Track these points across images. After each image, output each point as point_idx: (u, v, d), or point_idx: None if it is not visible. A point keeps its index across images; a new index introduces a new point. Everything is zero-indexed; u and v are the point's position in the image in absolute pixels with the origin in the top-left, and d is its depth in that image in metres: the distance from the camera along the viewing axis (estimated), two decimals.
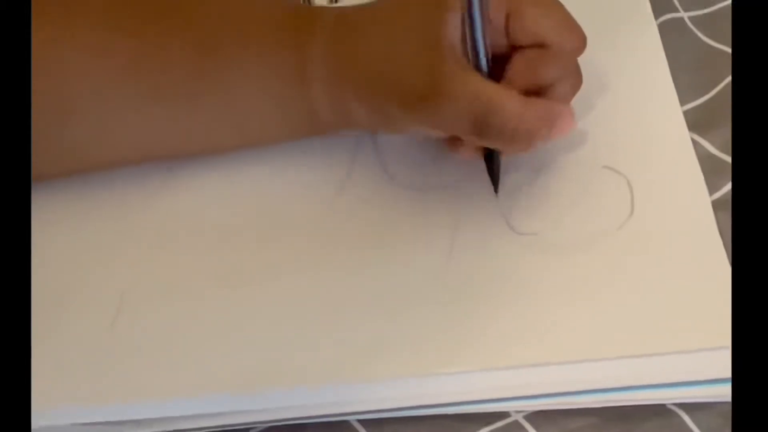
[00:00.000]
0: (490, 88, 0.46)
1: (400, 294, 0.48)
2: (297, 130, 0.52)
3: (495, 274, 0.49)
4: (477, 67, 0.47)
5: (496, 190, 0.51)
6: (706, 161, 0.53)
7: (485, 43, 0.47)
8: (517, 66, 0.48)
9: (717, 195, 0.51)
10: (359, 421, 0.47)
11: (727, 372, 0.45)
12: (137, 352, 0.47)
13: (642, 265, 0.48)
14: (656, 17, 0.59)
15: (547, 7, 0.49)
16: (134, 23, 0.49)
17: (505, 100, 0.46)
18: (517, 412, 0.47)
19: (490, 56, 0.47)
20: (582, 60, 0.50)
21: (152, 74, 0.49)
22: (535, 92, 0.48)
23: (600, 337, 0.46)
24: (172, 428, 0.47)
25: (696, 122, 0.54)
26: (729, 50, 0.57)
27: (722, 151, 0.53)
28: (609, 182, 0.51)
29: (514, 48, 0.49)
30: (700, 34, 0.58)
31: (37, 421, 0.44)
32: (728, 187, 0.52)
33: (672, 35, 0.58)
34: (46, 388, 0.44)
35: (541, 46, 0.48)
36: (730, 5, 0.59)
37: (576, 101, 0.50)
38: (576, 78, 0.50)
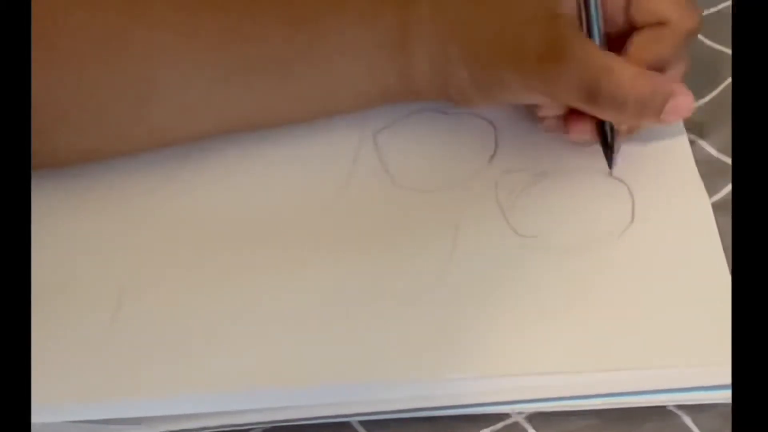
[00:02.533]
0: (606, 55, 0.47)
1: (400, 295, 0.48)
2: (390, 96, 0.51)
3: (496, 275, 0.49)
4: (591, 36, 0.48)
5: (610, 166, 0.51)
6: (706, 163, 0.53)
7: (600, 18, 0.48)
8: (636, 44, 0.49)
9: (717, 197, 0.51)
10: (360, 422, 0.47)
11: (727, 380, 0.45)
12: (136, 349, 0.47)
13: (642, 274, 0.48)
14: None
15: None
16: None
17: (619, 66, 0.47)
18: (518, 413, 0.47)
19: (604, 31, 0.48)
20: None
21: (242, 48, 0.49)
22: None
23: (599, 347, 0.46)
24: (170, 428, 0.47)
25: (696, 124, 0.54)
26: (729, 52, 0.57)
27: (722, 152, 0.53)
28: (610, 189, 0.51)
29: (632, 28, 0.49)
30: (700, 36, 0.58)
31: (34, 418, 0.44)
32: (728, 188, 0.52)
33: None
34: (44, 384, 0.44)
35: (660, 24, 0.49)
36: (730, 6, 0.59)
37: None
38: (687, 59, 0.50)
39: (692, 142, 0.54)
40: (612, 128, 0.50)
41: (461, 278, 0.49)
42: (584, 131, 0.51)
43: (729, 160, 0.53)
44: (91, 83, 0.45)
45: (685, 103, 0.48)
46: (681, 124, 0.54)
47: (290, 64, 0.49)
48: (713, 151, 0.53)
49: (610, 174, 0.51)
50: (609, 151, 0.51)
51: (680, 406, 0.46)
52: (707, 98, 0.56)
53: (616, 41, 0.50)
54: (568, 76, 0.47)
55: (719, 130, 0.54)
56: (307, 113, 0.52)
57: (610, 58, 0.47)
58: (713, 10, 0.60)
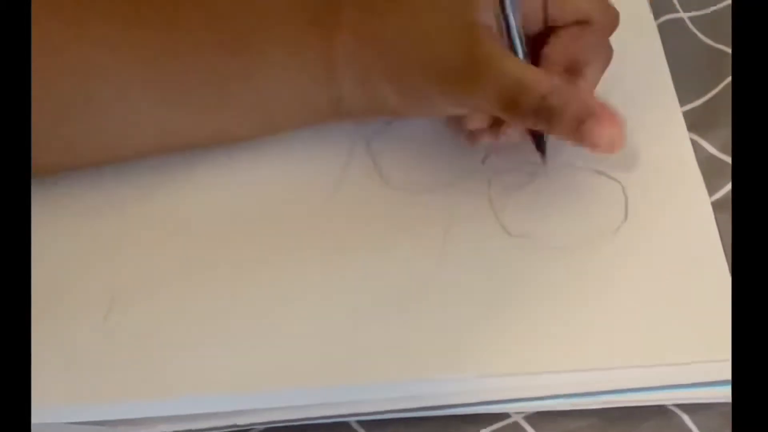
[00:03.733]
0: (522, 67, 0.47)
1: (392, 296, 0.48)
2: (322, 118, 0.52)
3: (488, 275, 0.49)
4: (511, 47, 0.48)
5: (544, 161, 0.51)
6: (706, 162, 0.53)
7: (518, 25, 0.48)
8: (556, 43, 0.49)
9: (717, 196, 0.51)
10: (359, 422, 0.47)
11: (726, 375, 0.45)
12: (129, 350, 0.47)
13: (637, 271, 0.48)
14: (656, 18, 0.59)
15: None
16: (156, 19, 0.49)
17: (535, 77, 0.47)
18: (517, 413, 0.47)
19: (523, 37, 0.48)
20: None
21: (177, 69, 0.49)
22: (572, 70, 0.49)
23: (595, 345, 0.46)
24: (168, 429, 0.47)
25: (696, 123, 0.54)
26: (729, 50, 0.57)
27: (722, 151, 0.53)
28: (603, 188, 0.51)
29: (551, 28, 0.49)
30: (700, 35, 0.58)
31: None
32: (728, 187, 0.52)
33: (672, 36, 0.58)
34: (38, 385, 0.44)
35: (580, 22, 0.49)
36: (730, 5, 0.59)
37: None
38: (608, 54, 0.50)
39: (693, 141, 0.53)
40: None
41: (454, 278, 0.48)
42: (513, 135, 0.51)
43: (729, 159, 0.53)
44: (36, 100, 0.45)
45: (605, 131, 0.46)
46: (681, 119, 0.54)
47: (224, 86, 0.50)
48: (713, 150, 0.53)
49: (544, 163, 0.51)
50: (540, 142, 0.51)
51: (680, 406, 0.46)
52: (707, 97, 0.56)
53: (534, 41, 0.50)
54: (485, 91, 0.47)
55: (719, 130, 0.54)
56: (246, 133, 0.52)
57: (527, 71, 0.47)
58: (713, 9, 0.60)
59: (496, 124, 0.51)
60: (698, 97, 0.56)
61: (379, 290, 0.48)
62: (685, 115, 0.55)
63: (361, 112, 0.51)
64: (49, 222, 0.51)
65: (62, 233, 0.51)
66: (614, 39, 0.51)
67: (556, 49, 0.49)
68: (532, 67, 0.48)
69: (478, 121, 0.51)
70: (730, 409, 0.44)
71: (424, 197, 0.51)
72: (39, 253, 0.47)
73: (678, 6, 0.60)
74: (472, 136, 0.52)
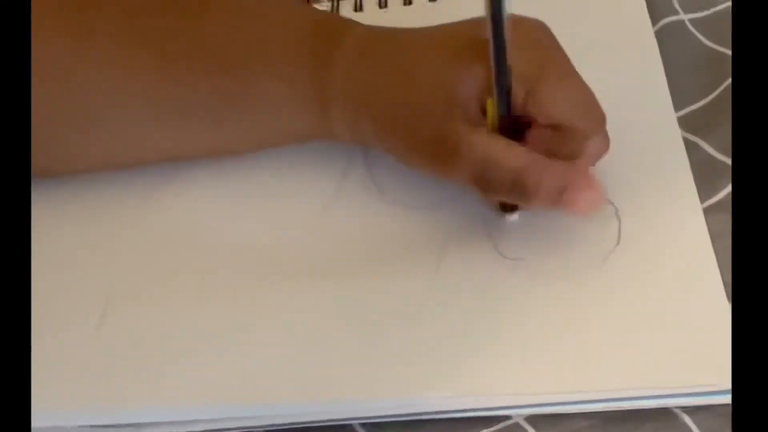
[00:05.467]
0: (493, 143, 0.47)
1: (384, 313, 0.48)
2: (314, 138, 0.52)
3: (481, 296, 0.49)
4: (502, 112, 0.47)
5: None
6: (705, 163, 0.53)
7: (504, 92, 0.47)
8: (532, 141, 0.48)
9: (717, 197, 0.51)
10: (361, 424, 0.47)
11: (726, 387, 0.45)
12: (123, 356, 0.47)
13: (630, 294, 0.48)
14: (656, 20, 0.59)
15: (566, 88, 0.48)
16: (157, 39, 0.50)
17: (506, 157, 0.46)
18: (518, 414, 0.47)
19: (508, 104, 0.47)
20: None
21: (174, 92, 0.50)
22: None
23: (589, 367, 0.46)
24: None
25: (696, 124, 0.54)
26: (729, 52, 0.57)
27: (722, 153, 0.53)
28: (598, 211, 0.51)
29: (533, 121, 0.48)
30: (700, 37, 0.58)
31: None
32: (728, 189, 0.52)
33: (672, 38, 0.58)
34: (35, 389, 0.44)
35: (556, 126, 0.47)
36: (730, 7, 0.59)
37: None
38: (600, 147, 0.49)
39: (692, 143, 0.54)
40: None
41: (447, 298, 0.48)
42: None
43: (729, 161, 0.53)
44: (36, 112, 0.46)
45: (586, 197, 0.47)
46: (680, 140, 0.53)
47: (218, 111, 0.50)
48: (713, 152, 0.53)
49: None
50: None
51: (680, 406, 0.46)
52: (707, 99, 0.56)
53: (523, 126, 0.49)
54: (456, 169, 0.47)
55: (719, 131, 0.54)
56: (240, 150, 0.53)
57: (499, 147, 0.47)
58: (713, 10, 0.60)
59: None
60: (698, 98, 0.56)
61: (371, 307, 0.48)
62: (686, 116, 0.55)
63: (354, 144, 0.52)
64: (44, 228, 0.51)
65: (57, 239, 0.51)
66: (610, 46, 0.50)
67: (532, 144, 0.48)
68: (505, 142, 0.47)
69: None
70: (730, 409, 0.44)
71: (420, 214, 0.51)
72: (34, 258, 0.47)
73: (678, 8, 0.60)
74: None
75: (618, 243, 0.50)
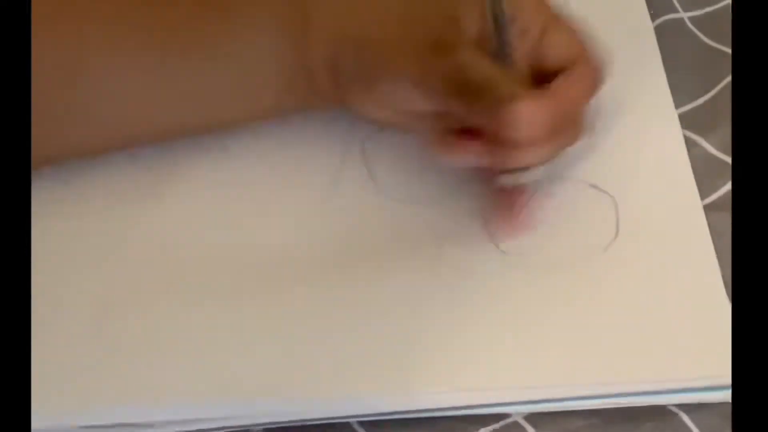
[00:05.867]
0: (480, 58, 0.47)
1: (382, 308, 0.48)
2: (296, 98, 0.51)
3: (479, 291, 0.49)
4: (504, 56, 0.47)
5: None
6: (705, 161, 0.53)
7: (508, 39, 0.47)
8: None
9: (716, 196, 0.51)
10: (360, 423, 0.47)
11: (726, 380, 0.45)
12: (122, 356, 0.47)
13: (628, 287, 0.48)
14: (656, 18, 0.59)
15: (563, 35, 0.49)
16: None
17: (487, 66, 0.46)
18: (517, 412, 0.47)
19: (512, 56, 0.47)
20: None
21: (157, 32, 0.49)
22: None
23: (589, 361, 0.46)
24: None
25: (696, 123, 0.54)
26: (729, 50, 0.57)
27: (722, 151, 0.53)
28: (595, 202, 0.51)
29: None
30: (699, 35, 0.58)
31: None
32: (728, 187, 0.52)
33: (672, 36, 0.58)
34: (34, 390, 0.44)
35: (564, 69, 0.48)
36: (730, 5, 0.59)
37: None
38: (582, 128, 0.50)
39: (692, 141, 0.54)
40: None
41: (445, 293, 0.48)
42: (468, 152, 0.50)
43: (728, 159, 0.53)
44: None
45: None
46: (677, 126, 0.54)
47: (202, 50, 0.50)
48: (713, 150, 0.53)
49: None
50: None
51: (680, 405, 0.46)
52: (707, 97, 0.56)
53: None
54: (436, 67, 0.47)
55: (719, 129, 0.54)
56: (221, 111, 0.52)
57: (483, 60, 0.47)
58: (713, 9, 0.60)
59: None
60: (698, 96, 0.56)
61: (369, 302, 0.48)
62: (685, 114, 0.55)
63: (330, 98, 0.51)
64: (44, 227, 0.50)
65: (57, 239, 0.51)
66: (610, 43, 0.50)
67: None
68: (487, 60, 0.47)
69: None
70: (730, 409, 0.44)
71: (417, 208, 0.51)
72: (34, 257, 0.47)
73: (678, 6, 0.60)
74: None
75: (616, 235, 0.50)
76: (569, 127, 0.49)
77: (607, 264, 0.49)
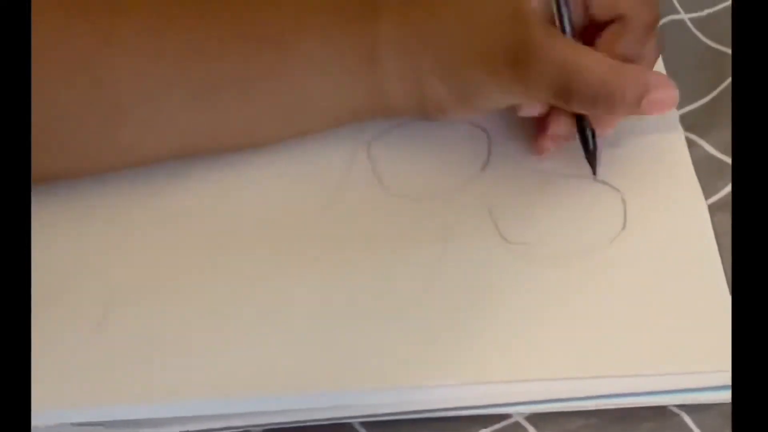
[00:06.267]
0: (575, 50, 0.47)
1: (390, 302, 0.48)
2: (358, 116, 0.51)
3: (486, 283, 0.48)
4: (563, 31, 0.48)
5: (594, 171, 0.51)
6: (706, 162, 0.53)
7: (569, 10, 0.48)
8: (600, 43, 0.49)
9: (717, 197, 0.51)
10: (361, 423, 0.47)
11: (726, 382, 0.45)
12: (123, 354, 0.47)
13: (634, 279, 0.48)
14: None
15: None
16: (183, 18, 0.49)
17: (588, 62, 0.47)
18: (518, 413, 0.47)
19: (573, 23, 0.48)
20: None
21: (206, 67, 0.48)
22: None
23: (593, 353, 0.46)
24: (167, 430, 0.47)
25: (696, 124, 0.54)
26: (729, 51, 0.57)
27: (722, 152, 0.53)
28: (603, 195, 0.51)
29: (595, 23, 0.50)
30: (700, 36, 0.59)
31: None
32: (728, 188, 0.52)
33: (673, 37, 0.58)
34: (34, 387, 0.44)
35: (619, 19, 0.49)
36: (730, 6, 0.59)
37: None
38: (657, 49, 0.51)
39: (692, 142, 0.54)
40: (593, 133, 0.50)
41: (452, 285, 0.48)
42: (562, 127, 0.51)
43: (729, 160, 0.53)
44: (61, 107, 0.45)
45: (665, 96, 0.47)
46: (678, 126, 0.54)
47: (253, 83, 0.49)
48: (713, 151, 0.53)
49: (594, 179, 0.51)
50: (591, 156, 0.51)
51: (680, 406, 0.46)
52: (707, 98, 0.56)
53: (588, 35, 0.50)
54: (538, 76, 0.47)
55: (719, 130, 0.54)
56: (275, 133, 0.52)
57: (580, 53, 0.47)
58: (713, 10, 0.60)
59: (550, 114, 0.51)
60: (699, 98, 0.56)
61: (377, 297, 0.48)
62: (686, 115, 0.55)
63: (405, 110, 0.51)
64: (44, 225, 0.50)
65: (58, 236, 0.51)
66: None
67: (601, 47, 0.49)
68: (584, 48, 0.48)
69: (530, 109, 0.51)
70: (730, 409, 0.44)
71: (423, 204, 0.51)
72: (34, 256, 0.47)
73: (678, 7, 0.60)
74: (537, 140, 0.52)
75: (624, 227, 0.50)
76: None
77: (614, 256, 0.49)
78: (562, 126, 0.51)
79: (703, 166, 0.52)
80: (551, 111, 0.51)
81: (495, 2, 0.48)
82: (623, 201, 0.51)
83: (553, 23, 0.48)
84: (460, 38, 0.48)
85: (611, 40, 0.49)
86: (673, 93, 0.47)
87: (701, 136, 0.54)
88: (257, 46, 0.49)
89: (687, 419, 0.46)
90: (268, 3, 0.49)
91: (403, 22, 0.48)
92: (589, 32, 0.50)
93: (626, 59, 0.49)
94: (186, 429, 0.46)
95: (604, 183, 0.51)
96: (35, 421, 0.44)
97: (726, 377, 0.44)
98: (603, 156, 0.51)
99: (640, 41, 0.50)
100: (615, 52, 0.48)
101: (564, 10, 0.48)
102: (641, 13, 0.49)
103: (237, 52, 0.48)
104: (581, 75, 0.46)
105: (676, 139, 0.53)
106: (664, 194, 0.51)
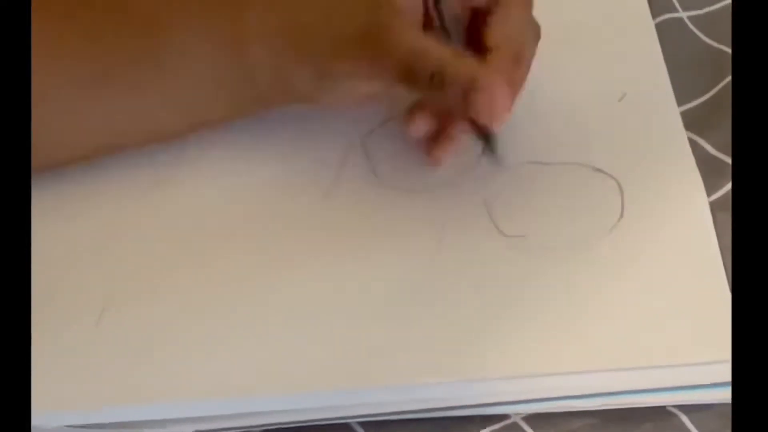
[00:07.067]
0: (420, 38, 0.48)
1: (386, 297, 0.48)
2: (241, 106, 0.52)
3: (482, 275, 0.48)
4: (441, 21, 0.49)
5: (493, 150, 0.50)
6: (705, 161, 0.53)
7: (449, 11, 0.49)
8: (485, 30, 0.49)
9: (716, 195, 0.51)
10: (360, 423, 0.47)
11: (726, 377, 0.44)
12: (121, 354, 0.47)
13: (632, 270, 0.48)
14: (655, 17, 0.59)
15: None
16: (76, 7, 0.50)
17: (431, 45, 0.48)
18: (516, 413, 0.47)
19: (459, 23, 0.50)
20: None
21: (94, 60, 0.49)
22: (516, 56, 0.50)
23: (591, 346, 0.46)
24: (168, 431, 0.47)
25: (695, 122, 0.54)
26: (729, 50, 0.57)
27: (722, 151, 0.53)
28: (599, 185, 0.51)
29: (480, 13, 0.50)
30: (699, 34, 0.58)
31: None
32: (728, 187, 0.52)
33: (671, 35, 0.58)
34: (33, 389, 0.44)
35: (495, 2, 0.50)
36: (730, 5, 0.59)
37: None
38: (535, 30, 0.51)
39: (692, 141, 0.53)
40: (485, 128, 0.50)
41: (449, 279, 0.48)
42: (423, 122, 0.51)
43: (728, 159, 0.53)
44: None
45: (485, 100, 0.46)
46: (678, 118, 0.54)
47: (138, 69, 0.50)
48: (713, 150, 0.53)
49: (496, 161, 0.50)
50: (492, 145, 0.50)
51: (679, 407, 0.46)
52: (707, 97, 0.56)
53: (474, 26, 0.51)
54: (385, 56, 0.48)
55: (719, 129, 0.54)
56: (167, 129, 0.52)
57: (425, 40, 0.48)
58: (713, 8, 0.60)
59: (442, 130, 0.51)
60: (698, 96, 0.56)
61: (373, 291, 0.48)
62: (685, 114, 0.54)
63: (277, 98, 0.51)
64: (41, 225, 0.50)
65: (55, 236, 0.51)
66: (612, 39, 0.51)
67: (486, 33, 0.49)
68: (435, 40, 0.48)
69: (422, 125, 0.51)
70: (729, 409, 0.44)
71: (419, 197, 0.51)
72: (34, 255, 0.47)
73: (677, 5, 0.60)
74: (429, 151, 0.52)
75: (621, 217, 0.50)
76: (524, 71, 0.51)
77: (611, 247, 0.49)
78: (454, 130, 0.51)
79: (702, 165, 0.52)
80: (443, 120, 0.51)
81: None
82: (620, 189, 0.51)
83: (424, 18, 0.49)
84: (319, 25, 0.49)
85: (495, 25, 0.49)
86: (497, 104, 0.47)
87: (700, 134, 0.54)
88: (139, 44, 0.50)
89: (685, 420, 0.46)
90: None
91: (269, 9, 0.49)
92: (478, 23, 0.50)
93: (515, 42, 0.49)
94: (186, 430, 0.46)
95: (602, 172, 0.51)
96: (35, 421, 0.44)
97: (725, 372, 0.44)
98: (598, 144, 0.52)
99: (519, 23, 0.50)
100: (501, 38, 0.49)
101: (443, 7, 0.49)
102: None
103: (125, 44, 0.50)
104: (423, 56, 0.47)
105: (676, 130, 0.53)
106: (661, 182, 0.51)
